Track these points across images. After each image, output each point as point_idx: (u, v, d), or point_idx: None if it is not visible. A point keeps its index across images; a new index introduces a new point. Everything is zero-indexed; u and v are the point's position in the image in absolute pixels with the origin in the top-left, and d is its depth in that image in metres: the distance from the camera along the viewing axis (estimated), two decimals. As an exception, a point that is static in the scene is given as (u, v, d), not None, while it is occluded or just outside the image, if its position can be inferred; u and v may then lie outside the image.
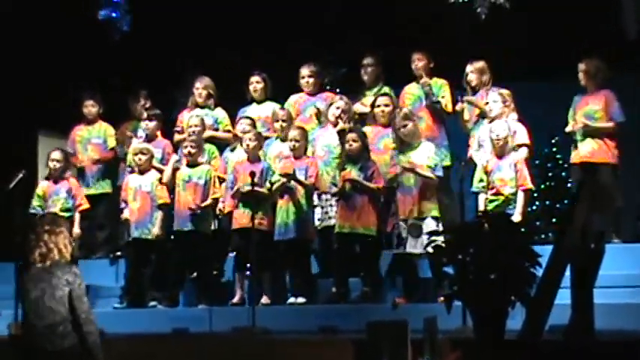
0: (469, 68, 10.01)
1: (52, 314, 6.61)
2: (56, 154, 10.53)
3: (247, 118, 10.34)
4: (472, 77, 9.97)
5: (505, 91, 9.64)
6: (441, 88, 10.09)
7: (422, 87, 9.99)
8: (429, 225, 9.09)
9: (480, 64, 9.99)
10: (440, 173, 9.34)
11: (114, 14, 11.17)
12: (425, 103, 10.04)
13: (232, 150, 10.32)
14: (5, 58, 11.65)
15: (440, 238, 8.66)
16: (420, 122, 9.75)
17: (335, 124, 9.89)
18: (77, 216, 10.45)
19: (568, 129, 9.79)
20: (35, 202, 10.47)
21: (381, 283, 9.47)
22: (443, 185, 9.52)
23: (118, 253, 10.63)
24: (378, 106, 9.86)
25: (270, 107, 10.49)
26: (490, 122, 9.48)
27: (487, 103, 9.60)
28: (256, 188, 9.53)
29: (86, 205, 10.53)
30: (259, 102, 10.57)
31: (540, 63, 11.06)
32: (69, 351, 6.63)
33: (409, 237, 9.16)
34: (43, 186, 10.58)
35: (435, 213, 9.19)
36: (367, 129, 9.89)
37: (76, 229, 10.30)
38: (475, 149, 9.66)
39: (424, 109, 10.04)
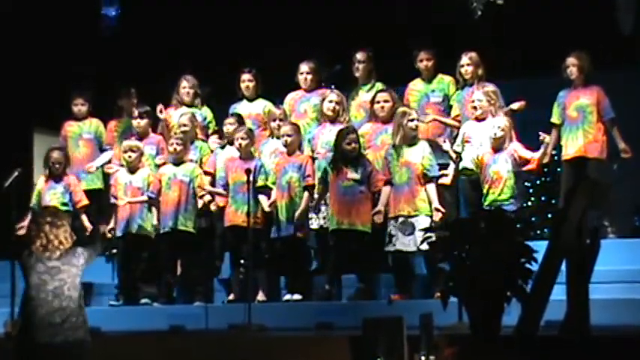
0: (465, 60, 9.80)
1: (69, 302, 6.75)
2: (56, 155, 10.50)
3: (232, 116, 10.32)
4: (468, 69, 9.77)
5: (490, 89, 9.53)
6: (449, 86, 9.96)
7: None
8: (422, 223, 9.06)
9: (476, 56, 9.79)
10: (436, 173, 9.31)
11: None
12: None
13: (222, 147, 10.31)
14: (0, 56, 11.65)
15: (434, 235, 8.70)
16: (426, 119, 9.74)
17: (332, 120, 9.87)
18: (83, 216, 10.43)
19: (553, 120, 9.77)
20: (34, 198, 10.52)
21: (376, 280, 9.48)
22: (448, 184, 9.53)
23: (114, 251, 10.63)
24: (378, 102, 9.78)
25: (261, 105, 10.47)
26: (478, 120, 9.46)
27: (473, 101, 9.54)
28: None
29: (86, 202, 10.51)
30: (250, 99, 10.56)
31: (535, 58, 11.05)
32: (76, 344, 6.71)
33: (400, 234, 9.14)
34: (42, 183, 10.57)
35: (427, 211, 9.17)
36: (367, 125, 9.88)
37: (87, 224, 10.34)
38: (457, 144, 9.58)
39: (431, 105, 9.92)
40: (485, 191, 9.21)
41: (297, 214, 9.52)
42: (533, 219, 11.71)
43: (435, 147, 9.54)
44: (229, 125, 10.19)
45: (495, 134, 9.21)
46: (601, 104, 9.59)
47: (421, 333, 6.74)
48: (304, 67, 10.35)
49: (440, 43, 10.20)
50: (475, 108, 9.46)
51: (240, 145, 9.86)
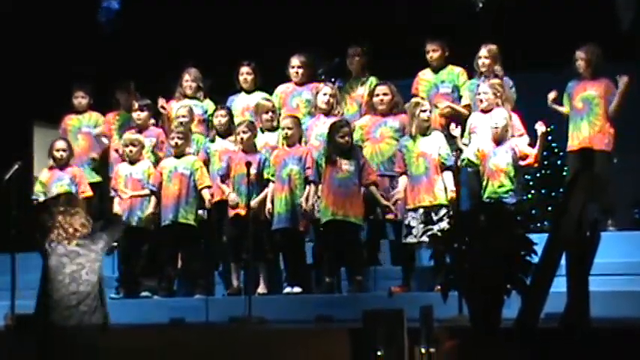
0: (483, 52, 9.78)
1: (87, 287, 6.84)
2: (61, 144, 10.52)
3: (223, 108, 10.30)
4: (485, 62, 9.75)
5: (496, 81, 9.52)
6: (459, 77, 9.98)
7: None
8: (441, 213, 9.07)
9: (495, 49, 9.78)
10: (452, 162, 9.29)
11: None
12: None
13: (212, 140, 10.31)
14: (1, 53, 11.66)
15: (436, 227, 8.71)
16: (436, 110, 9.72)
17: (326, 112, 9.88)
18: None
19: (562, 109, 9.77)
20: (37, 188, 10.52)
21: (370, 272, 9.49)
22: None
23: (115, 244, 10.62)
24: (377, 95, 9.77)
25: (259, 98, 10.43)
26: (484, 112, 9.46)
27: (479, 93, 9.55)
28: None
29: (89, 193, 10.52)
30: (248, 92, 10.55)
31: (536, 52, 11.06)
32: (90, 328, 6.76)
33: (422, 227, 9.10)
34: (46, 174, 10.57)
35: (445, 200, 9.13)
36: (365, 118, 9.88)
37: None
38: (464, 136, 9.57)
39: (440, 96, 9.92)
40: (484, 183, 9.22)
41: (307, 205, 9.51)
42: (533, 211, 11.73)
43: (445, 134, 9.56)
44: (220, 117, 10.20)
45: (496, 124, 9.20)
46: (609, 97, 9.59)
47: (421, 325, 6.74)
48: (295, 61, 10.34)
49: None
50: (481, 101, 9.47)
51: (242, 138, 9.85)
